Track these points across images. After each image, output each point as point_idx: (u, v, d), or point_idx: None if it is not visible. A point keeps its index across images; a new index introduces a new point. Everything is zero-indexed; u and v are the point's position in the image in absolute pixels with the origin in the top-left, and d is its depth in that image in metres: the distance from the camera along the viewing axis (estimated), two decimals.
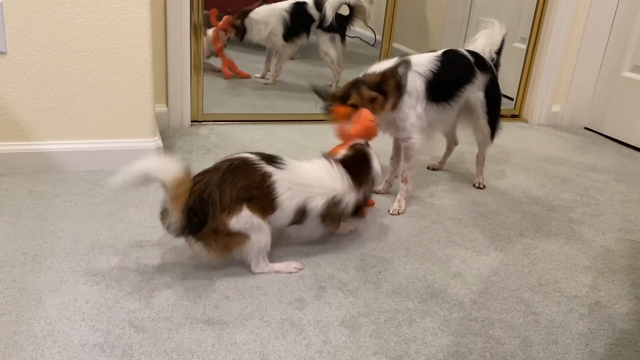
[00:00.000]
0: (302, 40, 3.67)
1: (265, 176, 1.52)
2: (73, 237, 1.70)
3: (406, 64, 1.94)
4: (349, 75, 3.83)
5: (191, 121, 2.81)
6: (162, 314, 1.39)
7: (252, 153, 1.56)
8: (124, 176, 1.40)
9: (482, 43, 2.23)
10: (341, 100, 1.90)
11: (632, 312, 1.58)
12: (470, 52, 2.16)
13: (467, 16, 4.12)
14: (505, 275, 1.71)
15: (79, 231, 1.74)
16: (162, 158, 1.49)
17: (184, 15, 2.57)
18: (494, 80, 2.22)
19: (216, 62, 3.83)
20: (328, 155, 1.74)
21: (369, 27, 3.93)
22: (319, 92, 2.01)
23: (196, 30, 2.66)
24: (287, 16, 3.59)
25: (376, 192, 2.22)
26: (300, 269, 1.63)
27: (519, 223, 2.07)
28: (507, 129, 3.23)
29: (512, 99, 3.50)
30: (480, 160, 2.37)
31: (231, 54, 3.94)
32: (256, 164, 1.53)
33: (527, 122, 3.44)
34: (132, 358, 1.24)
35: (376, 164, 1.77)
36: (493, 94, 2.22)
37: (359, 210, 1.75)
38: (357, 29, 3.90)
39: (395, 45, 3.34)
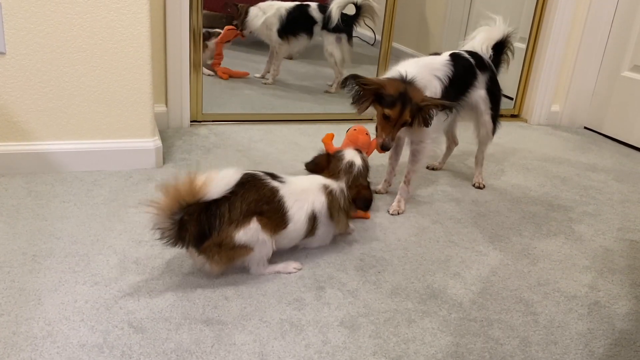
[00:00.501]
0: (300, 41, 3.67)
1: (274, 191, 1.54)
2: (72, 238, 1.70)
3: (449, 110, 1.96)
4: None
5: (190, 121, 2.81)
6: (161, 314, 1.39)
7: (254, 171, 1.58)
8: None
9: (480, 39, 2.23)
10: (380, 102, 1.85)
11: (632, 312, 1.58)
12: (469, 53, 2.16)
13: (467, 16, 4.12)
14: (505, 275, 1.71)
15: (78, 231, 1.74)
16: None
17: (183, 15, 2.57)
18: (493, 77, 2.23)
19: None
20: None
21: (368, 26, 3.92)
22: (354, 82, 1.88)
23: (195, 30, 2.66)
24: (284, 13, 3.60)
25: (376, 192, 2.22)
26: (299, 269, 1.63)
27: (518, 223, 2.07)
28: (507, 129, 3.23)
29: (511, 99, 3.50)
30: (479, 159, 2.38)
31: (232, 53, 3.95)
32: (264, 179, 1.56)
33: (526, 121, 3.44)
34: (131, 358, 1.24)
35: (355, 158, 1.76)
36: (494, 91, 2.23)
37: (368, 202, 1.74)
38: (357, 28, 3.90)
39: (395, 44, 3.34)
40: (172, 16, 2.55)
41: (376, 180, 2.26)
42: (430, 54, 2.16)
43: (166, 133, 2.66)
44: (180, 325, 1.36)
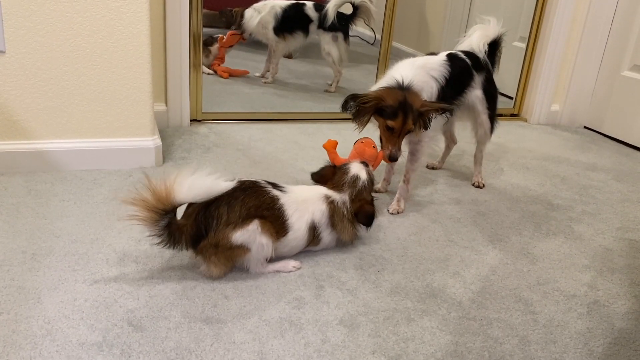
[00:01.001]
0: (296, 39, 3.68)
1: (274, 199, 1.55)
2: (72, 236, 1.70)
3: (448, 112, 1.95)
4: (348, 74, 3.85)
5: (190, 120, 2.81)
6: (160, 312, 1.39)
7: (256, 179, 1.59)
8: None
9: (477, 37, 2.23)
10: (381, 114, 1.84)
11: (631, 311, 1.58)
12: (465, 53, 2.16)
13: (467, 15, 4.12)
14: (504, 274, 1.71)
15: (78, 230, 1.74)
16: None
17: (183, 14, 2.56)
18: (489, 77, 2.23)
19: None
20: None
21: (368, 26, 3.93)
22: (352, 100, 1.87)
23: (195, 29, 2.66)
24: (279, 11, 3.61)
25: (375, 191, 2.22)
26: (298, 268, 1.63)
27: (518, 222, 2.07)
28: (507, 128, 3.24)
29: (511, 98, 3.50)
30: (478, 159, 2.38)
31: (232, 52, 3.95)
32: (265, 187, 1.57)
33: (526, 121, 3.44)
34: (130, 357, 1.24)
35: (360, 172, 1.75)
36: (490, 91, 2.23)
37: (370, 218, 1.73)
38: (357, 28, 3.91)
39: (395, 44, 3.34)
40: (172, 15, 2.55)
41: (376, 180, 2.26)
42: (427, 54, 2.16)
43: (166, 132, 2.66)
44: (180, 323, 1.36)
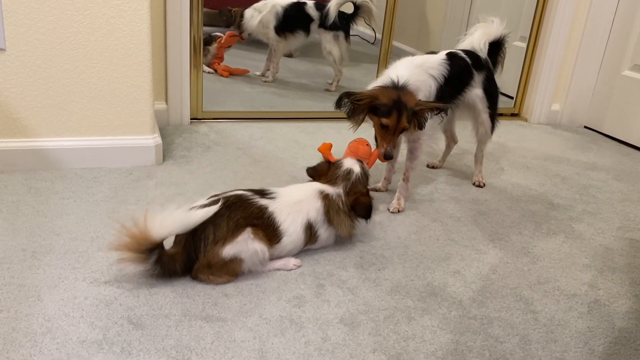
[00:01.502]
0: (297, 38, 3.67)
1: (263, 209, 1.55)
2: (72, 234, 1.70)
3: (444, 112, 1.94)
4: (349, 73, 3.85)
5: (190, 119, 2.81)
6: (161, 310, 1.39)
7: (243, 190, 1.58)
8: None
9: (478, 35, 2.23)
10: (375, 113, 1.85)
11: (631, 310, 1.58)
12: (466, 52, 2.16)
13: (467, 15, 4.11)
14: (505, 273, 1.71)
15: (78, 228, 1.74)
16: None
17: (183, 13, 2.56)
18: (490, 76, 2.23)
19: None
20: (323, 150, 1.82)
21: (369, 25, 3.93)
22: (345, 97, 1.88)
23: (195, 28, 2.66)
24: (280, 10, 3.61)
25: (376, 190, 2.22)
26: (299, 266, 1.63)
27: (518, 221, 2.07)
28: (507, 128, 3.24)
29: (511, 98, 3.50)
30: (478, 158, 2.37)
31: (232, 51, 3.95)
32: (251, 198, 1.56)
33: (526, 120, 3.44)
34: (130, 355, 1.24)
35: (354, 166, 1.76)
36: (490, 90, 2.23)
37: (367, 209, 1.73)
38: (357, 27, 3.91)
39: (395, 43, 3.34)
40: (173, 14, 2.55)
41: (375, 179, 2.26)
42: (427, 53, 2.15)
43: (166, 130, 2.65)
44: (180, 321, 1.36)
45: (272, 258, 1.58)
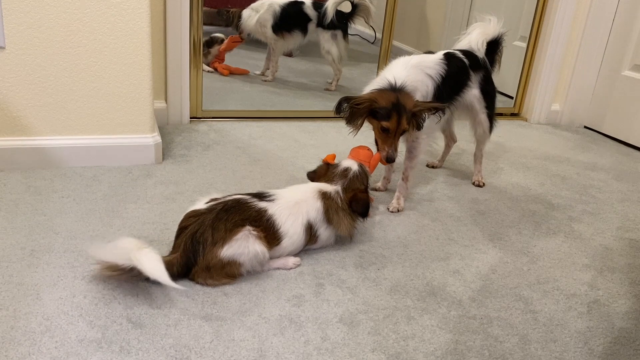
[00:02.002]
0: (295, 37, 3.67)
1: (262, 212, 1.55)
2: (71, 233, 1.69)
3: (441, 112, 1.93)
4: (349, 73, 3.85)
5: (190, 117, 2.81)
6: (160, 310, 1.39)
7: (242, 194, 1.59)
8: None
9: (476, 35, 2.22)
10: (374, 116, 1.85)
11: (631, 310, 1.58)
12: (464, 52, 2.15)
13: (467, 14, 4.11)
14: (504, 273, 1.71)
15: (77, 227, 1.73)
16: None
17: (183, 12, 2.56)
18: (487, 76, 2.22)
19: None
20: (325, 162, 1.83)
21: (368, 24, 3.93)
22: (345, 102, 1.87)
23: (195, 27, 2.65)
24: (278, 9, 3.61)
25: (375, 189, 2.22)
26: (298, 265, 1.63)
27: (518, 221, 2.07)
28: (507, 127, 3.23)
29: (511, 98, 3.50)
30: (478, 157, 2.37)
31: (232, 51, 3.94)
32: (249, 202, 1.56)
33: (526, 120, 3.44)
34: (129, 354, 1.24)
35: (351, 165, 1.77)
36: (488, 90, 2.22)
37: (364, 205, 1.73)
38: (357, 26, 3.91)
39: (395, 43, 3.34)
40: (173, 12, 2.54)
41: (375, 179, 2.26)
42: (424, 53, 2.15)
43: (165, 129, 2.65)
44: (179, 320, 1.36)
45: (272, 258, 1.58)
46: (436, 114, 1.91)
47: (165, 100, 2.72)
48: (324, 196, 1.67)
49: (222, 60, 3.82)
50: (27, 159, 2.09)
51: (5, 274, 1.47)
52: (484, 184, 2.37)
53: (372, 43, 4.66)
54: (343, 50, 3.63)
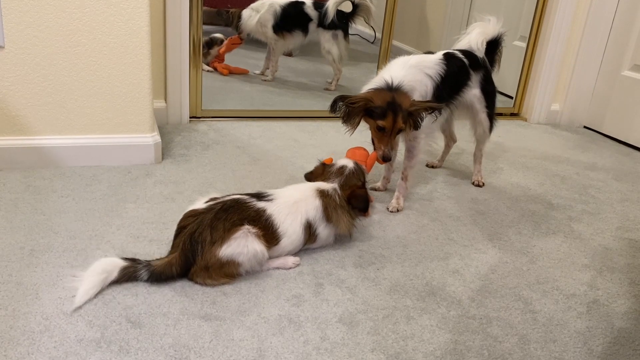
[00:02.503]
0: (295, 37, 3.67)
1: (260, 212, 1.55)
2: (70, 232, 1.69)
3: (438, 112, 1.94)
4: (348, 72, 3.85)
5: (190, 117, 2.80)
6: (159, 309, 1.38)
7: (241, 194, 1.59)
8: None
9: (476, 34, 2.22)
10: (370, 116, 1.85)
11: (630, 310, 1.58)
12: (463, 52, 2.15)
13: (467, 14, 4.11)
14: (504, 273, 1.71)
15: (77, 226, 1.73)
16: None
17: (183, 11, 2.56)
18: (487, 76, 2.22)
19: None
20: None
21: (368, 24, 3.93)
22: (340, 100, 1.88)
23: (195, 27, 2.65)
24: (278, 9, 3.61)
25: (375, 189, 2.21)
26: (298, 265, 1.62)
27: (517, 221, 2.07)
28: (507, 127, 3.23)
29: (511, 97, 3.50)
30: (478, 157, 2.37)
31: (232, 51, 3.95)
32: (248, 202, 1.56)
33: (526, 120, 3.44)
34: (128, 353, 1.24)
35: (347, 163, 1.78)
36: (488, 89, 2.22)
37: (364, 200, 1.74)
38: (357, 26, 3.90)
39: (395, 42, 3.33)
40: (172, 12, 2.54)
41: (375, 178, 2.26)
42: (424, 53, 2.15)
43: (165, 129, 2.65)
44: (179, 320, 1.35)
45: (271, 258, 1.58)
46: (433, 113, 1.91)
47: (165, 100, 2.72)
48: (322, 194, 1.68)
49: (222, 60, 3.83)
50: (27, 158, 2.09)
51: (5, 273, 1.47)
52: (483, 183, 2.37)
53: (372, 43, 4.66)
54: (343, 50, 3.63)
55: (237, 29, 3.76)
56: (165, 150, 2.37)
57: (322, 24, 3.56)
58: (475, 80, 2.18)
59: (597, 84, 3.30)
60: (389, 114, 1.81)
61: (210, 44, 3.75)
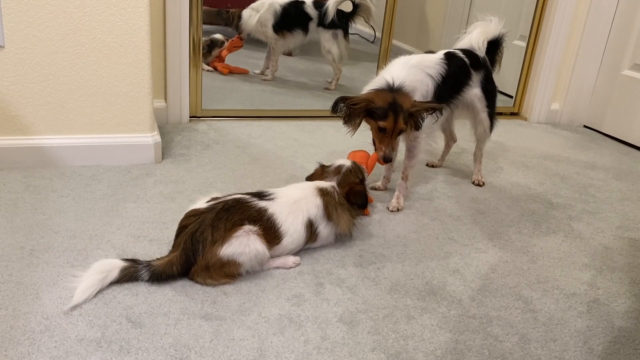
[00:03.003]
0: (295, 37, 3.67)
1: (262, 211, 1.55)
2: (70, 232, 1.69)
3: (439, 112, 1.93)
4: (348, 72, 3.85)
5: (190, 117, 2.80)
6: (159, 309, 1.38)
7: (242, 194, 1.59)
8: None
9: (477, 34, 2.22)
10: (372, 116, 1.85)
11: (631, 309, 1.58)
12: (464, 52, 2.15)
13: (467, 13, 4.11)
14: (504, 272, 1.71)
15: (77, 226, 1.73)
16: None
17: (183, 11, 2.56)
18: (488, 75, 2.22)
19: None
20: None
21: (368, 24, 3.93)
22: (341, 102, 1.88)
23: (195, 26, 2.65)
24: (278, 9, 3.61)
25: (375, 189, 2.21)
26: (298, 264, 1.62)
27: (517, 220, 2.07)
28: (507, 127, 3.23)
29: (511, 97, 3.50)
30: (478, 157, 2.37)
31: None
32: (250, 201, 1.56)
33: (526, 119, 3.44)
34: (129, 353, 1.24)
35: (344, 162, 1.81)
36: (488, 89, 2.22)
37: (362, 196, 1.75)
38: (357, 25, 3.90)
39: (395, 42, 3.33)
40: (172, 11, 2.54)
41: (375, 178, 2.26)
42: (425, 52, 2.15)
43: (165, 128, 2.65)
44: (179, 320, 1.35)
45: (272, 257, 1.58)
46: (434, 113, 1.91)
47: (165, 100, 2.72)
48: (323, 192, 1.68)
49: (222, 61, 3.83)
50: (27, 158, 2.09)
51: (5, 273, 1.47)
52: (483, 183, 2.37)
53: (372, 42, 4.66)
54: (344, 49, 3.63)
55: (237, 28, 3.76)
56: (165, 150, 2.37)
57: (322, 23, 3.56)
58: (476, 79, 2.18)
59: (597, 83, 3.30)
60: (390, 114, 1.81)
61: (211, 45, 3.75)
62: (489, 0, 3.91)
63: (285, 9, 3.62)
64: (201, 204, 1.55)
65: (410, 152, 2.07)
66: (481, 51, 2.20)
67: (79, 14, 1.98)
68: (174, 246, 1.52)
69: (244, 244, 1.47)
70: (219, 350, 1.27)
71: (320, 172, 1.82)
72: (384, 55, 3.27)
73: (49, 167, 2.11)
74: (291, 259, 1.62)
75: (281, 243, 1.58)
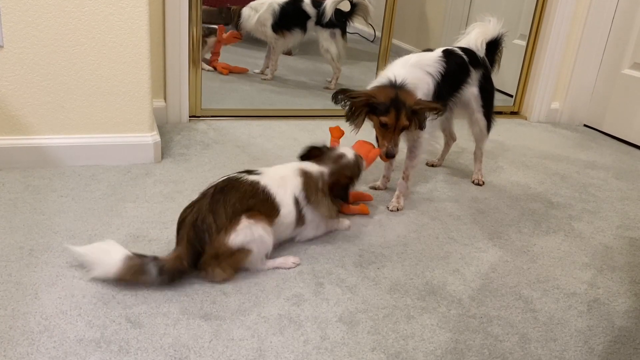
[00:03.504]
0: (294, 36, 3.67)
1: (254, 184, 1.54)
2: (70, 232, 1.69)
3: (441, 111, 1.93)
4: (348, 71, 3.85)
5: (189, 116, 2.80)
6: (158, 309, 1.38)
7: (231, 174, 1.59)
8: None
9: (475, 35, 2.22)
10: (374, 112, 1.85)
11: (631, 309, 1.57)
12: (463, 49, 2.15)
13: (467, 13, 4.11)
14: (504, 272, 1.71)
15: (76, 226, 1.73)
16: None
17: (182, 10, 2.55)
18: (486, 75, 2.22)
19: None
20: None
21: (367, 23, 3.93)
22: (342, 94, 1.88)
23: (195, 26, 2.65)
24: (277, 8, 3.61)
25: (375, 188, 2.21)
26: (298, 264, 1.62)
27: (517, 220, 2.07)
28: (506, 126, 3.23)
29: (511, 96, 3.49)
30: (478, 156, 2.37)
31: (231, 49, 3.94)
32: (240, 177, 1.56)
33: (526, 119, 3.44)
34: (128, 353, 1.24)
35: (348, 152, 1.78)
36: (486, 88, 2.22)
37: (344, 189, 1.73)
38: (356, 25, 3.90)
39: (395, 41, 3.33)
40: (172, 11, 2.54)
41: (375, 177, 2.25)
42: (423, 50, 2.15)
43: (165, 128, 2.65)
44: (178, 320, 1.35)
45: (276, 237, 1.57)
46: (437, 113, 1.91)
47: (165, 99, 2.71)
48: (304, 174, 1.67)
49: (218, 54, 3.80)
50: (26, 158, 2.08)
51: (4, 273, 1.47)
52: (483, 182, 2.36)
53: (372, 42, 4.66)
54: (342, 48, 3.63)
55: (238, 27, 3.75)
56: (164, 150, 2.37)
57: (320, 22, 3.56)
58: (474, 78, 2.17)
59: (597, 82, 3.30)
60: (391, 110, 1.81)
61: (207, 33, 3.72)
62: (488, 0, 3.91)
63: (284, 8, 3.63)
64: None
65: (412, 152, 2.06)
66: (480, 52, 2.19)
67: (79, 13, 1.97)
68: (177, 242, 1.50)
69: (250, 234, 1.47)
70: (219, 350, 1.27)
71: (319, 153, 1.77)
72: (383, 54, 3.27)
73: (48, 167, 2.11)
74: (291, 259, 1.62)
75: (280, 215, 1.57)
